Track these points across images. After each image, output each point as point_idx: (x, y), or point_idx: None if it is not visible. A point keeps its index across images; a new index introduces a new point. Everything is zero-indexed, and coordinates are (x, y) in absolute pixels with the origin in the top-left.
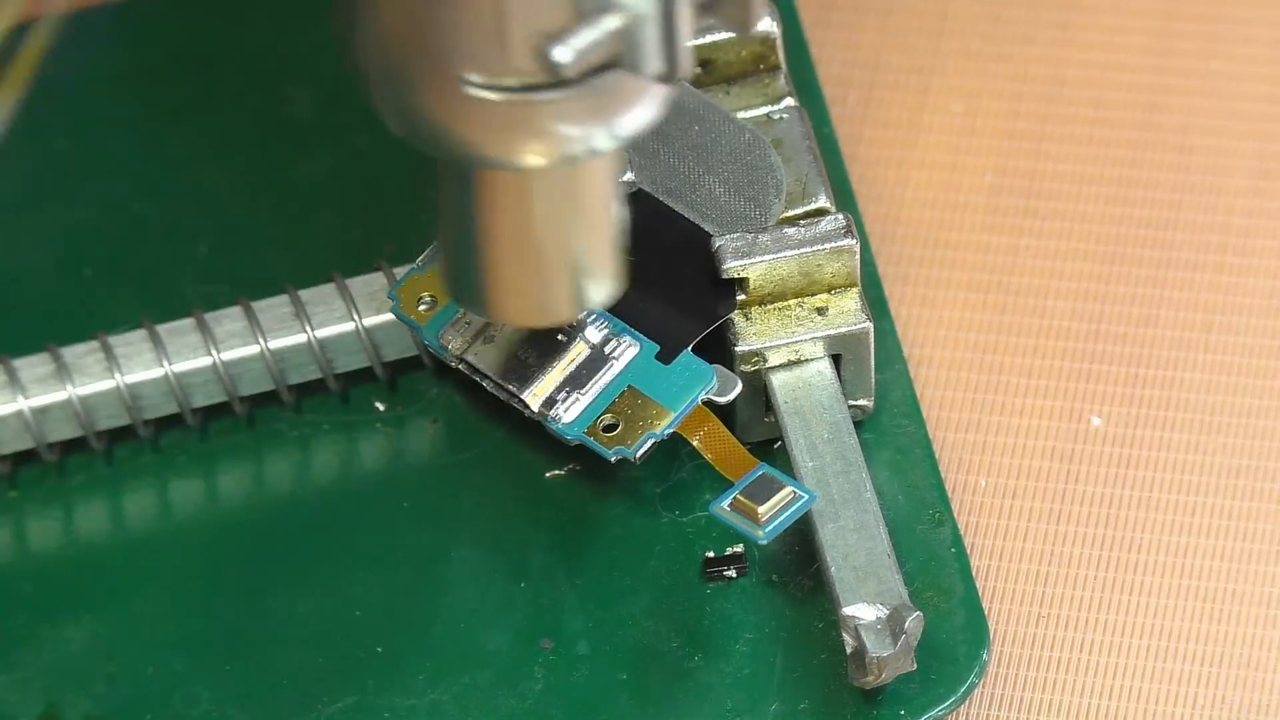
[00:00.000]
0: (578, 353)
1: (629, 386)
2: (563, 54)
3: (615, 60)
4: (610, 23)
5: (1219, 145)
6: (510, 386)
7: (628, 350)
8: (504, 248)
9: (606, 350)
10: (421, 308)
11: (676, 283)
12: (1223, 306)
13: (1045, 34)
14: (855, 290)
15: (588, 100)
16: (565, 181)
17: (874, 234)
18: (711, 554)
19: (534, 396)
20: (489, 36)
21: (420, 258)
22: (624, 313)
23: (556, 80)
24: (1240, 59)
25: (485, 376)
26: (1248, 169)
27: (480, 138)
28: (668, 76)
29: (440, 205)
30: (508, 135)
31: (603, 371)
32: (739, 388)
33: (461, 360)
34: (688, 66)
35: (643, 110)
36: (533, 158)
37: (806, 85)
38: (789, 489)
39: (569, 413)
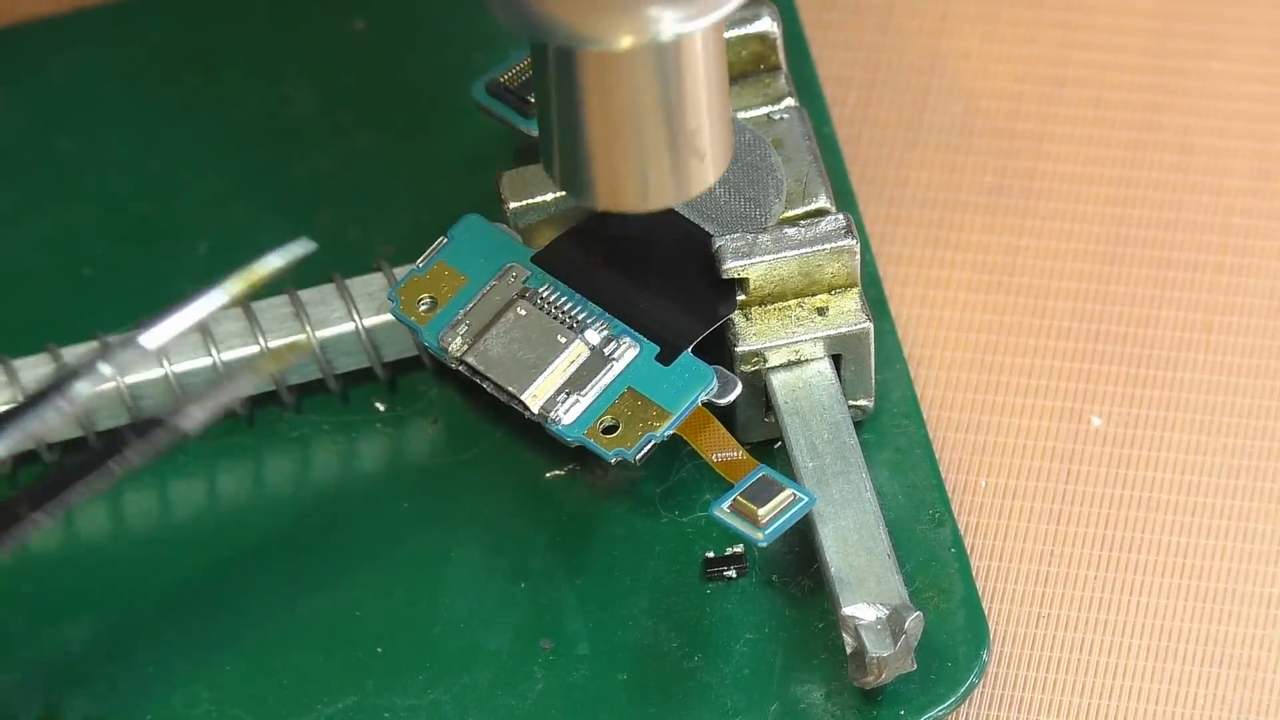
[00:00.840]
0: (577, 354)
1: (629, 388)
2: None
3: None
4: None
5: (1219, 145)
6: (510, 388)
7: (628, 352)
8: (609, 130)
9: (606, 352)
10: (421, 309)
11: (677, 283)
12: (1223, 306)
13: (1045, 34)
14: (855, 290)
15: None
16: (662, 60)
17: (874, 234)
18: (711, 554)
19: (534, 398)
20: None
21: (421, 259)
22: (624, 313)
23: None
24: (1240, 59)
25: (485, 378)
26: (1248, 169)
27: (577, 16)
28: None
29: (543, 98)
30: (604, 12)
31: (603, 373)
32: (739, 389)
33: (461, 362)
34: None
35: None
36: (626, 34)
37: (806, 85)
38: (789, 491)
39: (569, 414)
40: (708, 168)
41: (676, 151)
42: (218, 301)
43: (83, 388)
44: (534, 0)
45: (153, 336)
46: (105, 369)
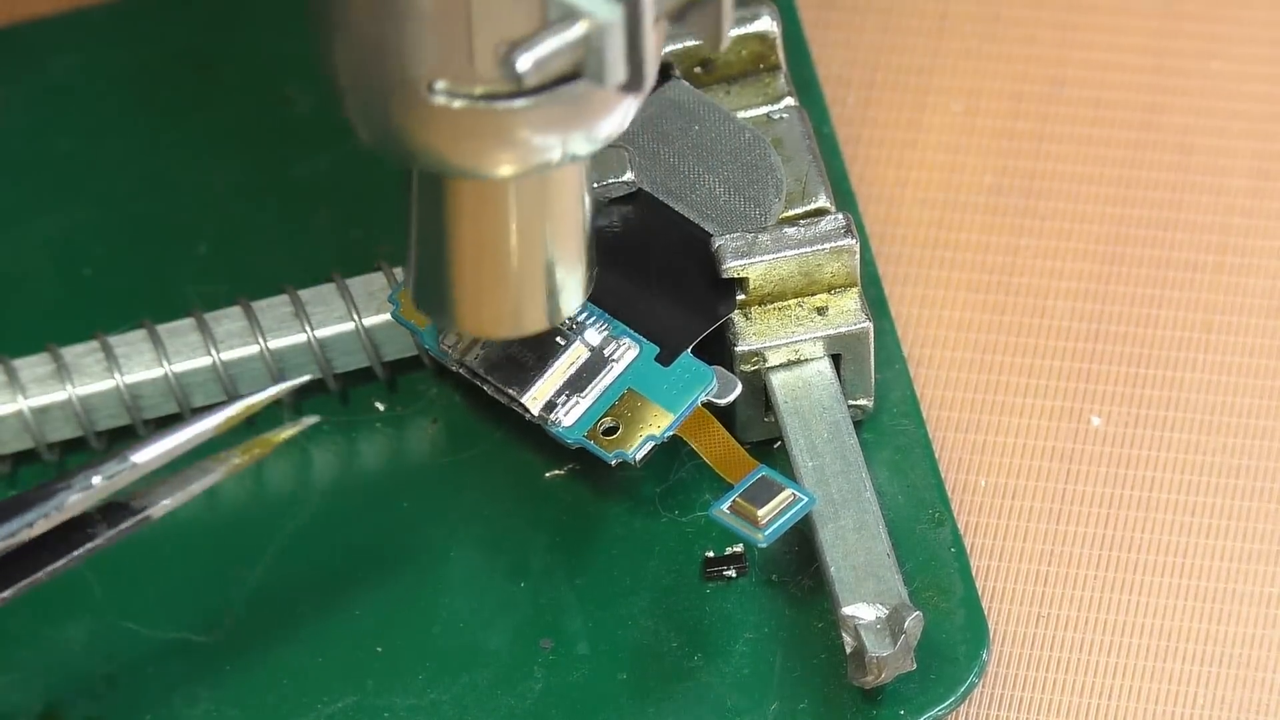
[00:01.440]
0: (577, 355)
1: (629, 389)
2: (524, 62)
3: (580, 70)
4: (574, 32)
5: (1219, 145)
6: (510, 390)
7: (627, 353)
8: (473, 258)
9: (606, 353)
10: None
11: (676, 284)
12: (1223, 306)
13: (1045, 34)
14: (855, 290)
15: (552, 109)
16: (534, 191)
17: (874, 234)
18: (711, 554)
19: (534, 400)
20: (454, 44)
21: None
22: (623, 314)
23: (521, 89)
24: (1240, 59)
25: (485, 380)
26: (1248, 169)
27: (447, 146)
28: (632, 87)
29: (409, 216)
30: (474, 143)
31: (602, 374)
32: (739, 389)
33: (461, 364)
34: (653, 78)
35: (608, 121)
36: (498, 166)
37: (806, 85)
38: (788, 491)
39: (569, 416)
40: (573, 295)
41: (537, 281)
42: (211, 426)
43: (74, 499)
44: (403, 129)
45: (145, 454)
46: (96, 480)
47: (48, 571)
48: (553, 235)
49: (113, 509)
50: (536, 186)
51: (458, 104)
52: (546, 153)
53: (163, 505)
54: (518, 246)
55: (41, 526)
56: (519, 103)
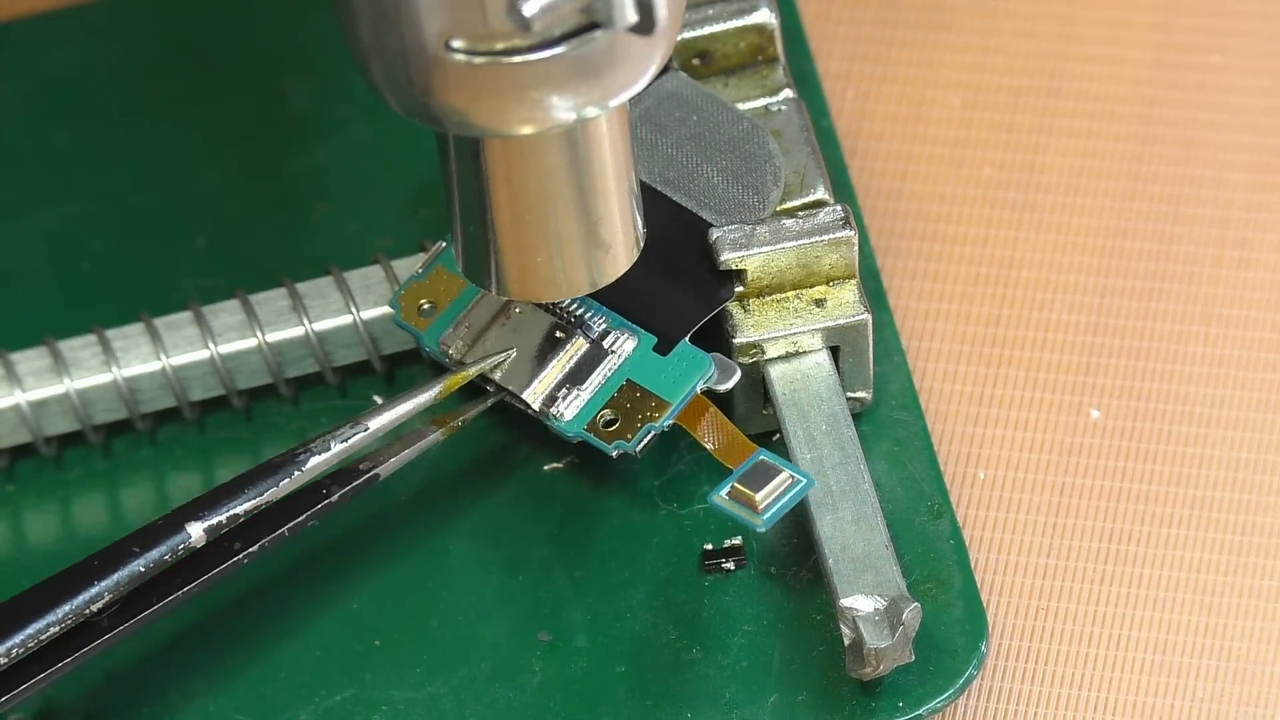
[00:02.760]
0: (576, 349)
1: (627, 380)
2: (530, 7)
3: (592, 18)
4: None
5: (1219, 139)
6: (510, 387)
7: (625, 344)
8: (512, 219)
9: (604, 345)
10: (421, 314)
11: (673, 272)
12: (1222, 300)
13: (1045, 27)
14: (854, 282)
15: (569, 61)
16: (566, 147)
17: (873, 226)
18: (710, 546)
19: (534, 395)
20: (467, 0)
21: (420, 264)
22: (621, 304)
23: (533, 41)
24: (1241, 52)
25: (486, 379)
26: (1248, 163)
27: (469, 105)
28: (643, 28)
29: (448, 186)
30: (495, 101)
31: (601, 366)
32: (738, 375)
33: (462, 366)
34: (665, 21)
35: (625, 71)
36: (522, 123)
37: (805, 78)
38: (786, 474)
39: (569, 410)
40: (617, 257)
41: (580, 242)
42: (430, 396)
43: (315, 461)
44: (426, 91)
45: (377, 421)
46: (334, 444)
47: (291, 527)
48: (590, 193)
49: (343, 473)
50: (568, 143)
51: (475, 61)
52: (568, 107)
53: (389, 464)
54: (555, 205)
55: (288, 487)
56: (535, 56)
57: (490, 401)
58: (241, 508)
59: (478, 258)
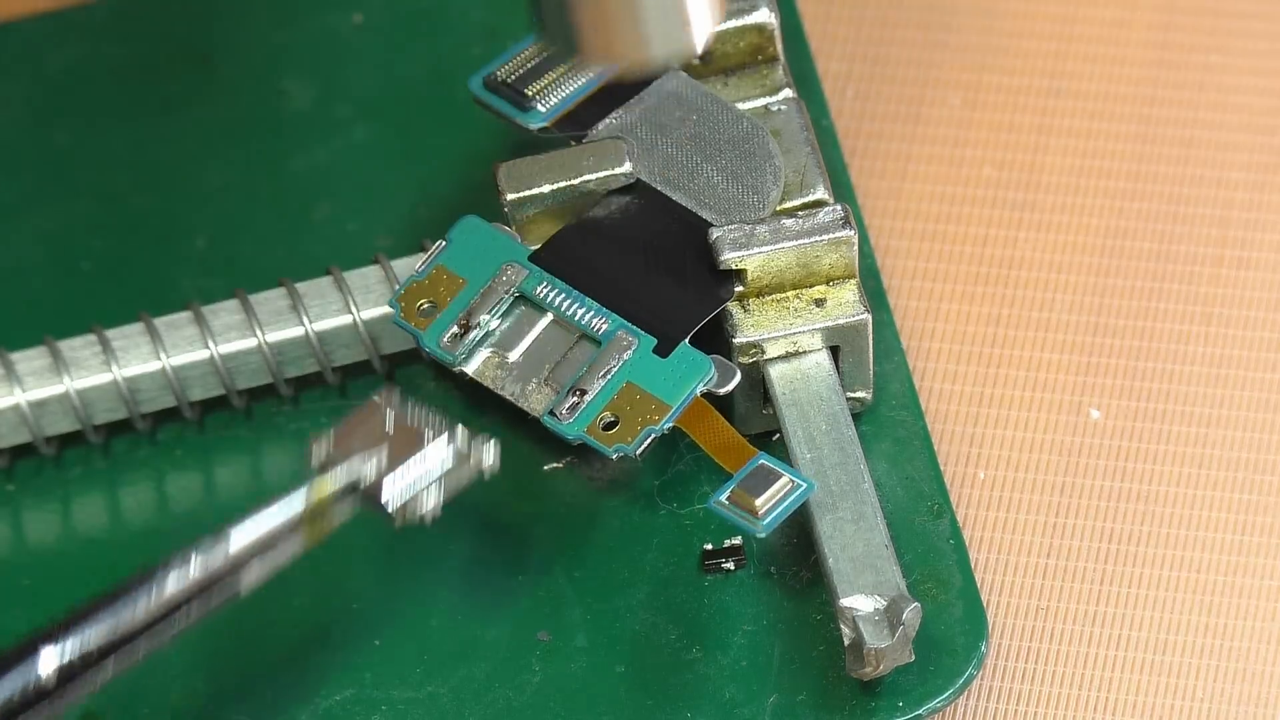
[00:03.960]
0: (576, 350)
1: (627, 382)
2: None
3: None
4: None
5: (1219, 139)
6: (511, 390)
7: (626, 345)
8: None
9: (605, 347)
10: (421, 314)
11: (673, 274)
12: (1223, 299)
13: (1045, 26)
14: (853, 282)
15: None
16: None
17: (872, 226)
18: (710, 546)
19: (534, 397)
20: None
21: (420, 264)
22: (621, 304)
23: None
24: (1241, 52)
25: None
26: (1248, 163)
27: None
28: None
29: None
30: None
31: (602, 369)
32: (738, 378)
33: (462, 370)
34: None
35: None
36: None
37: (805, 77)
38: (786, 478)
39: (570, 412)
40: (697, 26)
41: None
42: (295, 511)
43: (172, 580)
44: None
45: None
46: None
47: (145, 654)
48: None
49: (203, 593)
50: None
51: None
52: None
53: (248, 584)
54: None
55: (145, 614)
56: None
57: (350, 507)
58: (95, 645)
59: (559, 20)
